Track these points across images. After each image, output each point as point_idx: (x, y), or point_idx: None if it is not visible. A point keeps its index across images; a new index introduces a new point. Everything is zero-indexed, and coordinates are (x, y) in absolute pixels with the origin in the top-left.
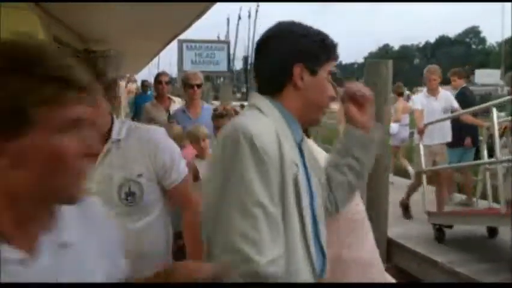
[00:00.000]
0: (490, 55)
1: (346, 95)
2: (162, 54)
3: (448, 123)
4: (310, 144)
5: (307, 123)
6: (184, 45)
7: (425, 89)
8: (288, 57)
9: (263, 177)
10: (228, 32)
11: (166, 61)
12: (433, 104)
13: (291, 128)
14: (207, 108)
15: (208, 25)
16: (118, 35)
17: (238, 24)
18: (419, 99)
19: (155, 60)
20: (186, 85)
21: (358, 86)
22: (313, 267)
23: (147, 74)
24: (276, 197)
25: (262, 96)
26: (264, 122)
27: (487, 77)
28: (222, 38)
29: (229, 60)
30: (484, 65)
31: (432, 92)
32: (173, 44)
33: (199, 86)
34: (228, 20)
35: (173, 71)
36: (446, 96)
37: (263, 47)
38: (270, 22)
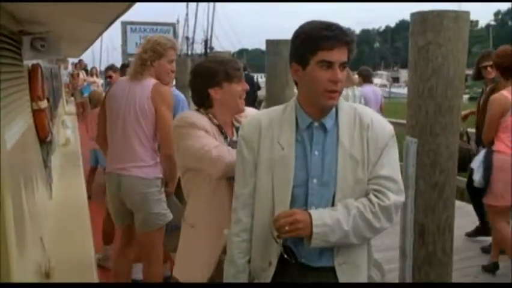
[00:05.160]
0: None
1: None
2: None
3: None
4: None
5: (318, 108)
6: (128, 27)
7: None
8: (289, 59)
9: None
10: (187, 14)
11: (117, 44)
12: None
13: (298, 115)
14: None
15: (167, 8)
16: (56, 17)
17: (197, 8)
18: None
19: (98, 43)
20: None
21: (282, 221)
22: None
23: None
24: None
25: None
26: (260, 113)
27: None
28: (182, 21)
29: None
30: None
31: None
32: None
33: None
34: (187, 3)
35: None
36: None
37: None
38: (229, 5)
